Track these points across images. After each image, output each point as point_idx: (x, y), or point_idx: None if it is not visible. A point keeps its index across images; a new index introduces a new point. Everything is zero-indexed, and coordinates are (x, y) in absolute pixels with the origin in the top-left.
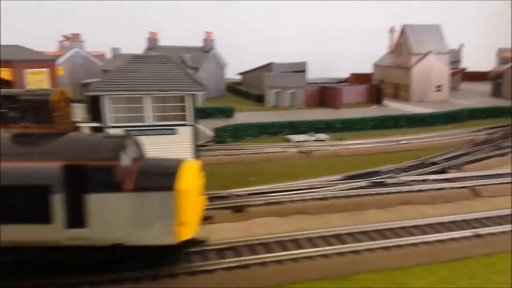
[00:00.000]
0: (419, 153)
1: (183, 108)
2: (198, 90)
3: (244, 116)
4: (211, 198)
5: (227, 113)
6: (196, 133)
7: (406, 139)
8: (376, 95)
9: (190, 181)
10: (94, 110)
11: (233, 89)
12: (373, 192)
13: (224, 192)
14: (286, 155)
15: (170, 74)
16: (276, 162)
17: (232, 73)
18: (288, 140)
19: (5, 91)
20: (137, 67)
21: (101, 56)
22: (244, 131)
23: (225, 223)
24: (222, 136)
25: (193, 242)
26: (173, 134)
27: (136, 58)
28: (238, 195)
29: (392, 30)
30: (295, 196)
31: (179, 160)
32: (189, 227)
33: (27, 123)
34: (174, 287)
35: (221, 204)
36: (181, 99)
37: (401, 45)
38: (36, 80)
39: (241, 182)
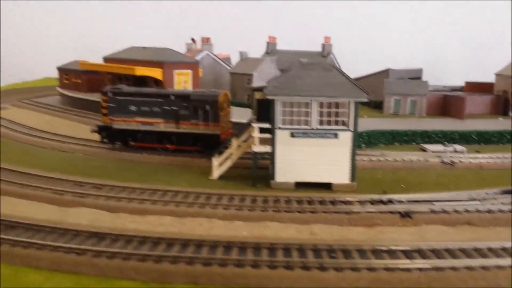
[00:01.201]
0: None
1: (345, 114)
2: (363, 97)
3: (366, 122)
4: (374, 202)
5: None
6: (355, 139)
7: None
8: (502, 106)
9: None
10: (262, 112)
11: None
12: None
13: (385, 197)
14: (429, 165)
15: (336, 80)
16: (418, 171)
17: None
18: (424, 150)
19: (177, 91)
20: (305, 73)
21: (227, 59)
22: (378, 138)
23: (394, 227)
24: (357, 142)
25: None
26: (335, 138)
27: (303, 66)
28: (400, 201)
29: None
30: (459, 206)
31: None
32: None
33: (196, 120)
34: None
35: (387, 209)
36: (343, 105)
37: None
38: (182, 81)
39: (394, 188)
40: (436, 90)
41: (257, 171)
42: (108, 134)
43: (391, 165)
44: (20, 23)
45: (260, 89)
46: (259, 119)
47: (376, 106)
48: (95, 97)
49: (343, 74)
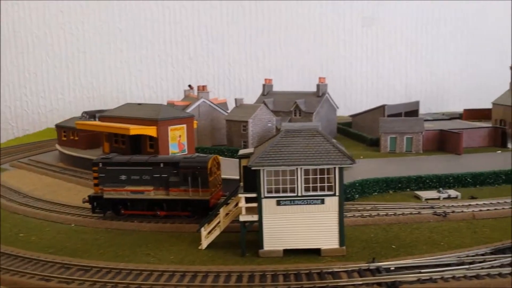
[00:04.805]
0: None
1: (330, 180)
2: (347, 164)
3: (363, 163)
4: (361, 271)
5: None
6: (342, 203)
7: None
8: (500, 138)
9: None
10: (249, 178)
11: (344, 131)
12: None
13: (373, 265)
14: (421, 218)
15: (321, 147)
16: (411, 225)
17: (339, 110)
18: (418, 197)
19: (167, 158)
20: (290, 141)
21: (223, 104)
22: (371, 187)
23: None
24: (350, 193)
25: None
26: (321, 204)
27: (288, 133)
28: (388, 270)
29: None
30: (446, 273)
31: None
32: None
33: (186, 187)
34: None
35: (375, 280)
36: (329, 171)
37: None
38: (176, 135)
39: (385, 250)
40: (435, 119)
41: (247, 236)
42: (99, 204)
43: (383, 220)
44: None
45: (246, 156)
46: (246, 186)
47: (373, 143)
48: (93, 154)
49: (327, 140)
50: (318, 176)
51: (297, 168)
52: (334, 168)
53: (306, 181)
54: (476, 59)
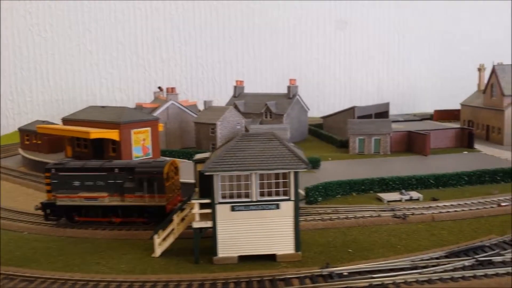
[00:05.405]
0: None
1: (285, 184)
2: (302, 168)
3: (330, 165)
4: (314, 278)
5: (314, 164)
6: (297, 208)
7: (507, 200)
8: (467, 139)
9: None
10: (204, 184)
11: (316, 132)
12: (481, 274)
13: (326, 270)
14: (381, 220)
15: (276, 152)
16: (370, 228)
17: (312, 112)
18: (380, 199)
19: (122, 163)
20: (246, 145)
21: (193, 106)
22: (335, 189)
23: None
24: (313, 196)
25: None
26: (276, 209)
27: (244, 137)
28: (341, 275)
29: (481, 69)
30: (398, 278)
31: None
32: None
33: (141, 193)
34: None
35: (324, 286)
36: (284, 175)
37: (492, 86)
38: (140, 139)
39: (341, 254)
40: (406, 120)
41: (203, 242)
42: (53, 211)
43: (343, 224)
44: None
45: (201, 161)
46: (202, 192)
47: (343, 145)
48: (55, 158)
49: (283, 144)
50: (273, 181)
51: (251, 173)
52: (289, 172)
53: (261, 186)
54: (448, 60)
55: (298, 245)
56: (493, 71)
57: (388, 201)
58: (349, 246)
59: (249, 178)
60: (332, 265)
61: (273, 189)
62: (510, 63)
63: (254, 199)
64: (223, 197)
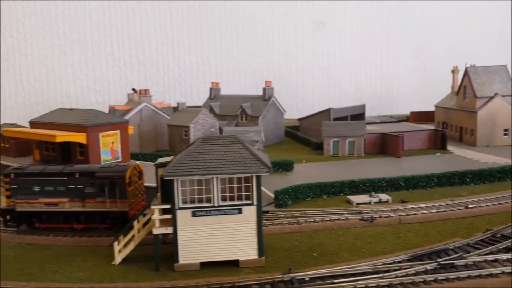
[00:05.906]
0: (490, 220)
1: (248, 188)
2: (263, 172)
3: (304, 167)
4: (274, 284)
5: (287, 166)
6: (260, 212)
7: (475, 202)
8: (440, 141)
9: None
10: (166, 189)
11: (292, 134)
12: (442, 278)
13: (287, 276)
14: (348, 223)
15: (238, 155)
16: (337, 231)
17: (291, 113)
18: (349, 202)
19: (83, 168)
20: (207, 149)
21: (168, 108)
22: (305, 192)
23: None
24: (283, 199)
25: None
26: (238, 213)
27: (206, 140)
28: (302, 281)
29: (454, 71)
30: (359, 282)
31: None
32: None
33: (103, 198)
34: None
35: None
36: (247, 179)
37: (465, 88)
38: (109, 142)
39: (305, 258)
40: (383, 122)
41: (166, 248)
42: (13, 217)
43: (310, 227)
44: None
45: (163, 165)
46: (163, 197)
47: (318, 147)
48: (22, 162)
49: (246, 147)
50: (235, 185)
51: (212, 177)
52: (252, 176)
53: (223, 190)
54: (424, 62)
55: (261, 250)
56: (466, 73)
57: (357, 204)
58: (314, 250)
59: (211, 183)
60: (294, 270)
61: (235, 194)
62: (483, 65)
63: (216, 204)
64: (184, 202)
